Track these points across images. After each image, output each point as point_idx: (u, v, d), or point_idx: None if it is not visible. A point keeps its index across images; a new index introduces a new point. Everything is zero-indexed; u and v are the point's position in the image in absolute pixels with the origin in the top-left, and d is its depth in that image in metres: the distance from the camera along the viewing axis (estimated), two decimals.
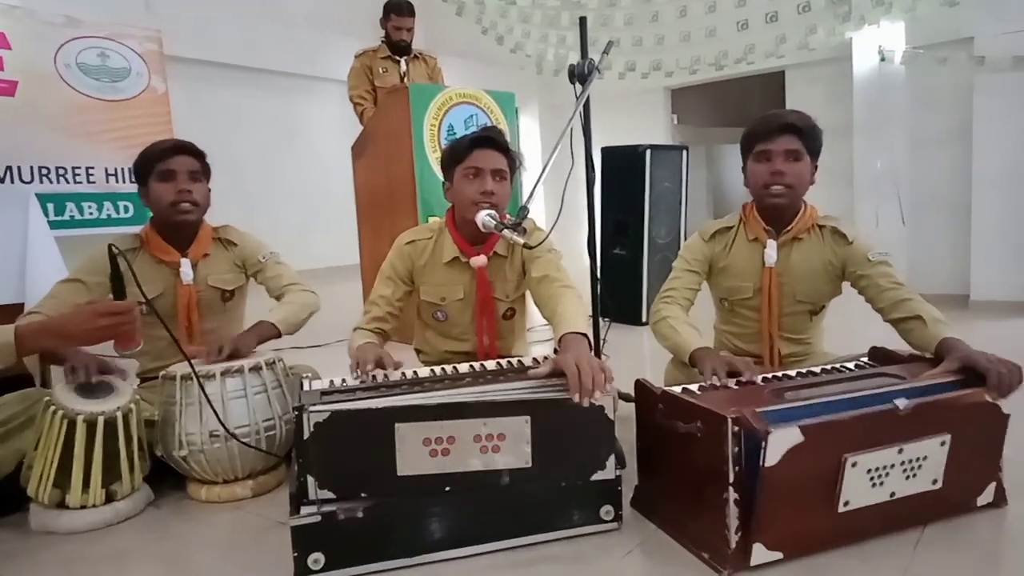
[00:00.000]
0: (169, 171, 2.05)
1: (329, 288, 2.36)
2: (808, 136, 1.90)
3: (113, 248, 1.69)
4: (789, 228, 1.98)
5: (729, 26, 5.78)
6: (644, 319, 4.28)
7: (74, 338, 1.60)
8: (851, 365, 1.80)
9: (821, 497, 1.42)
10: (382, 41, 4.44)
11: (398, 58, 4.39)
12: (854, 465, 1.40)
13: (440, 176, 3.73)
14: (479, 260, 2.04)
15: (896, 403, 1.43)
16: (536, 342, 3.72)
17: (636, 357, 3.58)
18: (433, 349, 2.22)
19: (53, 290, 2.01)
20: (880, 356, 1.82)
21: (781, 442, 1.33)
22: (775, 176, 1.90)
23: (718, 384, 1.64)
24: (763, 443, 1.31)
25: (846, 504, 1.43)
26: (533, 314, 2.22)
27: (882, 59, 5.29)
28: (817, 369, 1.76)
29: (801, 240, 1.99)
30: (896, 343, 1.85)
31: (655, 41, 6.00)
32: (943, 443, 1.49)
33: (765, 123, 1.92)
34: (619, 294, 4.27)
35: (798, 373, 1.74)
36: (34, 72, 4.67)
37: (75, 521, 1.72)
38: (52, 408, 1.68)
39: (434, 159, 3.80)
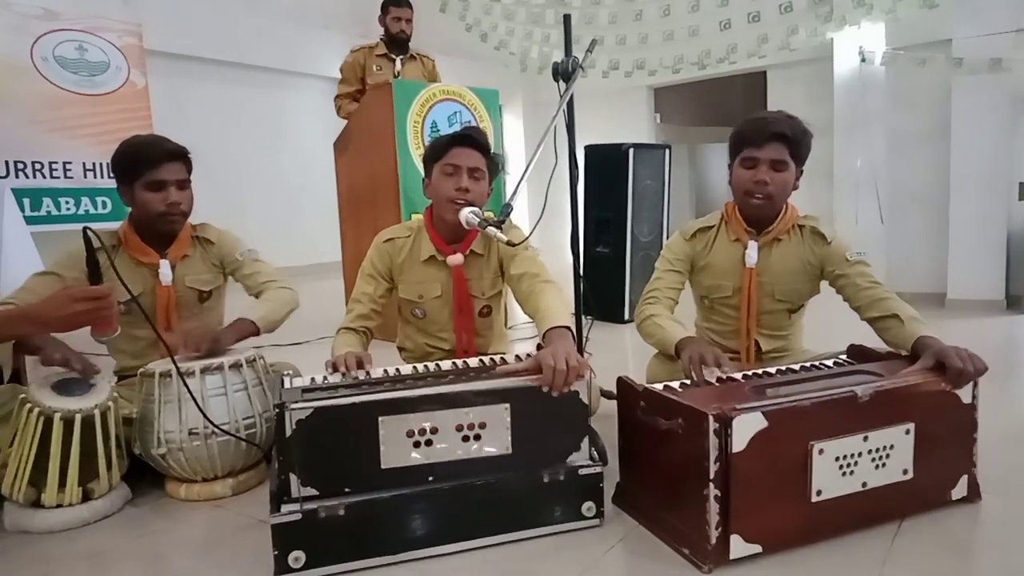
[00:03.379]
0: (159, 181, 2.01)
1: (311, 285, 2.35)
2: (796, 144, 1.90)
3: (88, 231, 1.67)
4: (770, 229, 1.99)
5: (712, 25, 5.82)
6: (627, 317, 4.30)
7: (50, 324, 1.59)
8: (830, 363, 1.82)
9: (793, 486, 1.45)
10: (381, 39, 4.40)
11: (394, 57, 4.34)
12: (821, 452, 1.44)
13: (422, 173, 3.76)
14: (455, 258, 2.05)
15: (855, 390, 1.48)
16: (518, 340, 3.73)
17: (619, 354, 3.59)
18: (415, 346, 2.22)
19: (27, 283, 1.96)
20: (858, 353, 1.85)
21: (746, 427, 1.37)
22: (758, 185, 1.91)
23: (695, 376, 1.67)
24: (729, 429, 1.35)
25: (819, 493, 1.46)
26: (515, 312, 2.22)
27: (862, 60, 5.35)
28: (797, 367, 1.78)
29: (781, 240, 2.01)
30: (874, 341, 1.87)
31: (639, 40, 6.02)
32: (907, 431, 1.53)
33: (755, 128, 1.92)
34: (602, 292, 4.29)
35: (778, 371, 1.75)
36: (10, 65, 4.59)
37: (51, 520, 1.70)
38: (28, 406, 1.66)
39: (417, 156, 3.78)
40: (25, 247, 2.75)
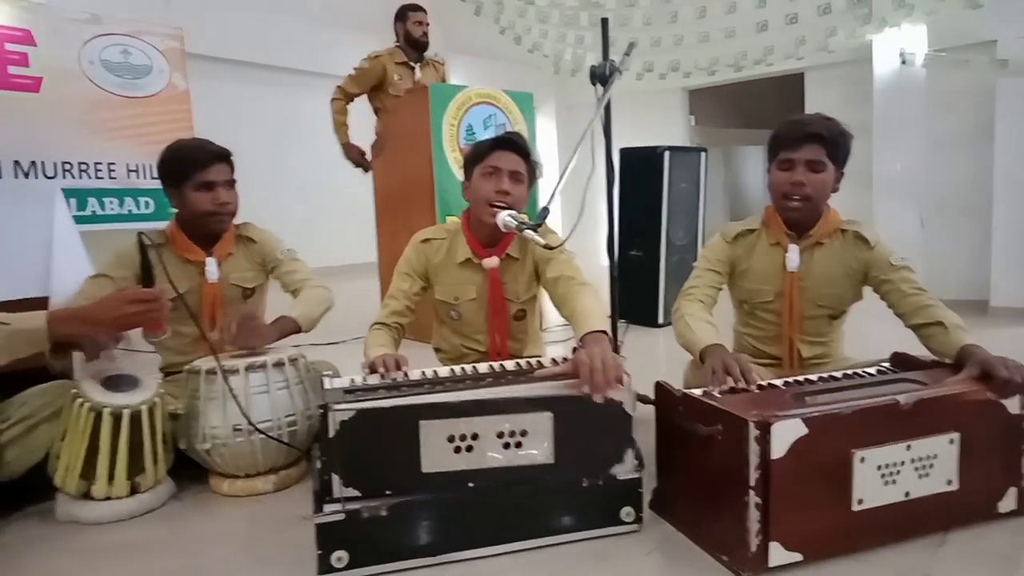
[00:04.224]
0: (209, 182, 2.08)
1: (345, 285, 2.38)
2: (834, 145, 1.88)
3: (143, 238, 1.72)
4: (811, 233, 1.97)
5: (748, 27, 5.77)
6: (661, 321, 4.27)
7: (104, 324, 1.63)
8: (872, 370, 1.80)
9: (834, 494, 1.43)
10: (397, 45, 4.41)
11: (413, 64, 4.37)
12: (863, 460, 1.42)
13: (458, 176, 3.79)
14: (491, 261, 2.06)
15: (898, 398, 1.46)
16: (553, 342, 3.73)
17: (652, 359, 3.57)
18: (451, 347, 2.24)
19: (82, 288, 2.04)
20: (902, 361, 1.82)
21: (785, 433, 1.35)
22: (795, 187, 1.89)
23: (723, 387, 1.64)
24: (767, 436, 1.34)
25: (860, 502, 1.44)
26: (550, 315, 2.23)
27: (903, 62, 5.25)
28: (838, 374, 1.76)
29: (823, 244, 1.98)
30: (917, 348, 1.84)
31: (674, 42, 5.99)
32: (952, 441, 1.50)
33: (791, 130, 1.91)
34: (636, 295, 4.27)
35: (819, 378, 1.73)
36: (58, 69, 4.72)
37: (100, 512, 1.75)
38: (79, 401, 1.71)
39: (452, 159, 3.82)
40: (75, 246, 2.82)
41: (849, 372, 1.77)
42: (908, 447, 1.47)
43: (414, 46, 4.35)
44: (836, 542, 1.45)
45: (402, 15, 4.36)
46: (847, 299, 2.03)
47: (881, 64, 5.53)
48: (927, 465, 1.49)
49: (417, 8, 4.33)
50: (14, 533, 1.72)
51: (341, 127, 4.40)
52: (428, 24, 4.37)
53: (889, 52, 5.43)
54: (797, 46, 5.80)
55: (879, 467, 1.45)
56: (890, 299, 1.92)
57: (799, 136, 1.88)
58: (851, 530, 1.45)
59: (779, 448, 1.35)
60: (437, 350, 2.33)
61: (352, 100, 4.40)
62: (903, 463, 1.47)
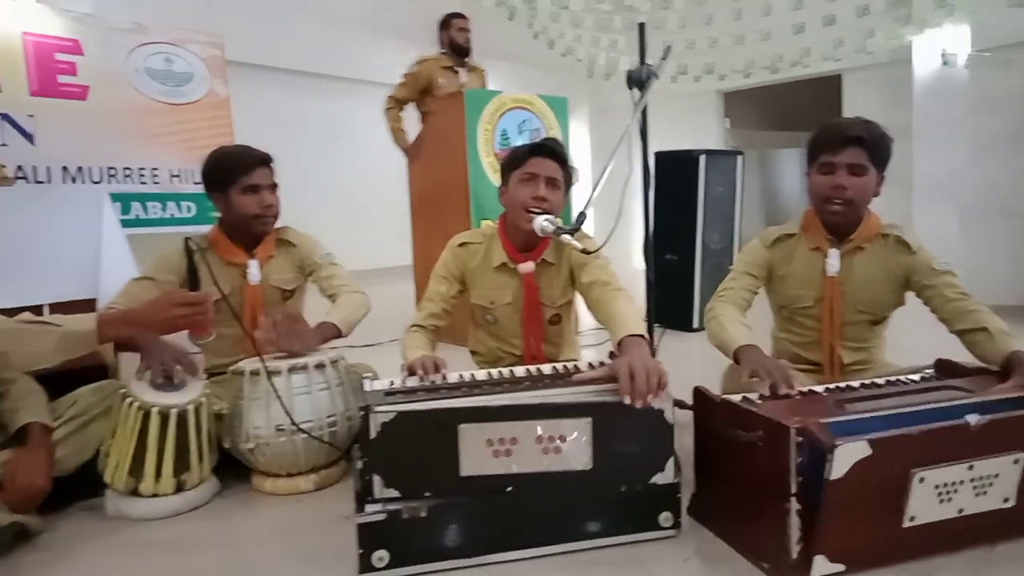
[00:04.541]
0: (254, 185, 2.14)
1: (380, 288, 2.42)
2: (875, 148, 1.86)
3: (190, 243, 1.77)
4: (851, 237, 1.95)
5: (785, 29, 5.71)
6: (696, 325, 4.24)
7: (152, 326, 1.68)
8: (915, 377, 1.77)
9: (886, 511, 1.40)
10: (442, 52, 4.52)
11: (458, 69, 4.46)
12: (922, 480, 1.38)
13: (493, 180, 3.81)
14: (527, 266, 2.08)
15: (968, 419, 1.40)
16: (586, 346, 3.72)
17: (688, 363, 3.55)
18: (487, 350, 2.26)
19: (126, 288, 2.09)
20: (946, 368, 1.79)
21: (848, 456, 1.31)
22: (836, 190, 1.87)
23: (768, 393, 1.62)
24: (829, 456, 1.30)
25: (912, 519, 1.41)
26: (584, 319, 2.24)
27: (944, 63, 5.15)
28: (881, 380, 1.73)
29: (863, 249, 1.96)
30: (961, 355, 1.81)
31: (708, 44, 5.95)
32: (1016, 461, 1.45)
33: (831, 133, 1.88)
34: (671, 300, 4.24)
35: (861, 384, 1.71)
36: (104, 77, 4.85)
37: (147, 508, 1.80)
38: (128, 400, 1.76)
39: (488, 163, 3.84)
40: (122, 250, 2.90)
41: (892, 379, 1.75)
42: (970, 467, 1.41)
43: (458, 52, 4.47)
44: (881, 555, 1.43)
45: (446, 23, 4.50)
46: (888, 304, 2.00)
47: (922, 65, 5.44)
48: (986, 484, 1.44)
49: (460, 16, 4.48)
50: (66, 527, 1.77)
51: (399, 133, 4.49)
52: (470, 31, 4.50)
53: (930, 53, 5.34)
54: (835, 48, 5.72)
55: (937, 486, 1.40)
56: (933, 304, 1.89)
57: (840, 139, 1.86)
58: (898, 543, 1.43)
59: (840, 468, 1.30)
60: (473, 353, 2.35)
61: (404, 107, 4.50)
62: (962, 482, 1.42)
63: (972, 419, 1.40)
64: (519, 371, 1.79)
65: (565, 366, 1.81)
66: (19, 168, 4.48)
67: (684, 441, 1.70)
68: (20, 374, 1.84)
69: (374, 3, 7.52)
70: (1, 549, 1.61)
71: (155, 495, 1.80)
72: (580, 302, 2.16)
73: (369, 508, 1.44)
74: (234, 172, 2.14)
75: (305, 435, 1.85)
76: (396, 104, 4.48)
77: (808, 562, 1.37)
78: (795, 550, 1.38)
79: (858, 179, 1.86)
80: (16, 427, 1.76)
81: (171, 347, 1.90)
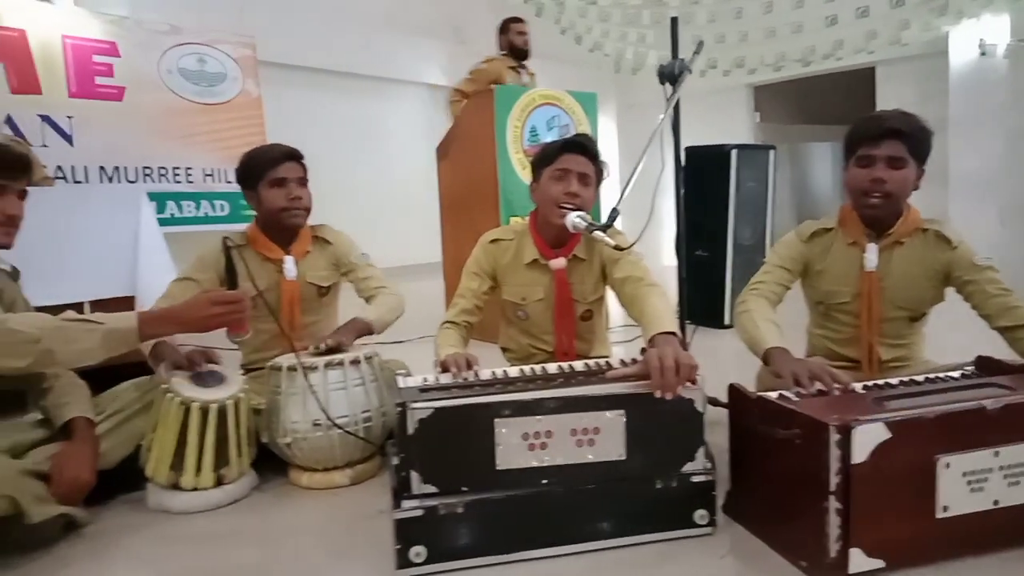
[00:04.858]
0: (281, 179, 2.17)
1: (409, 285, 2.45)
2: (914, 141, 1.82)
3: (228, 241, 1.80)
4: (890, 232, 1.92)
5: (817, 22, 5.64)
6: (727, 322, 4.21)
7: (191, 325, 1.71)
8: (956, 374, 1.74)
9: (919, 501, 1.39)
10: (503, 54, 4.67)
11: (520, 69, 4.64)
12: (948, 466, 1.38)
13: (522, 177, 3.81)
14: (558, 263, 2.08)
15: (983, 403, 1.41)
16: (616, 342, 3.71)
17: (719, 360, 3.53)
18: (519, 346, 2.26)
19: (168, 290, 2.14)
20: (988, 365, 1.75)
21: (867, 438, 1.32)
22: (875, 184, 1.84)
23: (804, 392, 1.61)
24: (848, 439, 1.31)
25: (946, 509, 1.40)
26: (614, 315, 2.23)
27: (982, 53, 5.05)
28: (920, 378, 1.70)
29: (902, 244, 1.93)
30: (1002, 351, 1.77)
31: (739, 38, 5.90)
32: None
33: (869, 126, 1.86)
34: (701, 296, 4.21)
35: (900, 381, 1.69)
36: (140, 78, 4.96)
37: (188, 501, 1.83)
38: (169, 395, 1.80)
39: (517, 160, 3.85)
40: (159, 249, 2.95)
41: (931, 376, 1.72)
42: (996, 453, 1.41)
43: (517, 55, 4.65)
44: (919, 549, 1.41)
45: (505, 27, 4.69)
46: (927, 300, 1.96)
47: (958, 56, 5.33)
48: (1018, 472, 1.43)
49: (519, 20, 4.67)
50: (109, 520, 1.81)
51: None
52: (528, 34, 4.67)
53: (967, 44, 5.23)
54: (868, 40, 5.63)
55: (965, 474, 1.40)
56: (974, 300, 1.86)
57: (878, 132, 1.83)
58: (936, 538, 1.41)
59: (860, 453, 1.32)
60: (504, 349, 2.36)
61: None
62: (991, 470, 1.42)
63: (988, 403, 1.41)
64: (552, 368, 1.79)
65: (597, 363, 1.81)
66: (58, 168, 4.60)
67: (719, 438, 1.70)
68: (64, 370, 1.88)
69: (403, 3, 7.56)
70: (51, 540, 1.66)
71: (195, 489, 1.83)
72: (611, 298, 2.15)
73: (406, 504, 1.45)
74: (261, 167, 2.17)
75: (340, 430, 1.87)
76: (462, 98, 4.57)
77: (845, 557, 1.36)
78: (834, 548, 1.36)
79: (897, 172, 1.83)
80: (61, 422, 1.80)
81: (197, 350, 1.96)
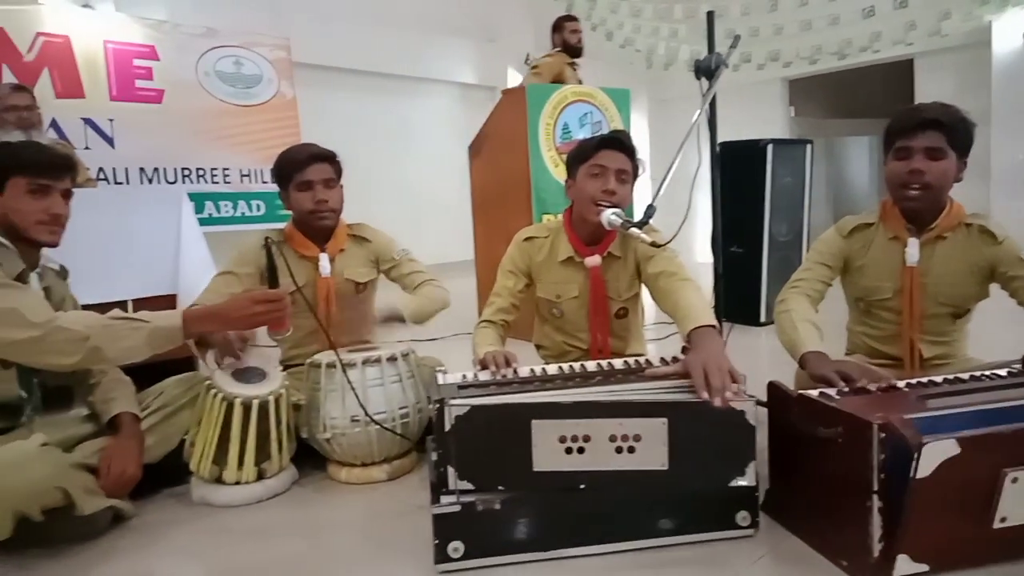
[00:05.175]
0: (307, 182, 2.18)
1: (443, 283, 2.47)
2: (953, 131, 1.78)
3: (269, 240, 1.83)
4: (933, 226, 1.88)
5: (854, 14, 5.55)
6: (762, 319, 4.16)
7: (233, 322, 1.75)
8: (1002, 372, 1.70)
9: (974, 511, 1.35)
10: (556, 51, 4.69)
11: (575, 67, 4.69)
12: (1015, 481, 1.32)
13: (554, 175, 3.81)
14: (593, 260, 2.07)
15: None
16: (651, 340, 3.69)
17: (755, 358, 3.49)
18: (553, 344, 2.26)
19: (211, 284, 2.19)
20: None
21: (935, 454, 1.27)
22: (913, 175, 1.80)
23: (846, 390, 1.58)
24: (916, 455, 1.26)
25: (1003, 520, 1.35)
26: (648, 313, 2.22)
27: None
28: (964, 376, 1.67)
29: (945, 239, 1.88)
30: None
31: (773, 31, 5.83)
32: None
33: (906, 118, 1.82)
34: (737, 293, 4.16)
35: (944, 379, 1.65)
36: (178, 81, 5.06)
37: (230, 495, 1.87)
38: (213, 391, 1.84)
39: (549, 158, 3.85)
40: (199, 247, 3.01)
41: (976, 374, 1.68)
42: None
43: (571, 52, 4.67)
44: (968, 556, 1.38)
45: (559, 26, 4.71)
46: (971, 296, 1.92)
47: (1001, 47, 5.20)
48: None
49: (572, 18, 4.72)
50: (154, 513, 1.86)
51: None
52: (582, 32, 4.71)
53: (1011, 34, 5.09)
54: (907, 31, 5.52)
55: None
56: (1021, 296, 1.81)
57: (915, 123, 1.79)
58: (986, 545, 1.37)
59: (926, 467, 1.26)
60: (538, 347, 2.35)
61: None
62: None
63: None
64: (590, 366, 1.78)
65: (637, 361, 1.80)
66: (100, 170, 4.71)
67: (756, 437, 1.68)
68: (110, 366, 1.93)
69: (435, 4, 7.60)
70: (99, 531, 1.70)
71: (238, 483, 1.87)
72: (646, 295, 2.14)
73: (444, 499, 1.46)
74: (290, 169, 2.20)
75: (378, 427, 1.90)
76: None
77: (891, 561, 1.34)
78: (876, 548, 1.34)
79: (936, 163, 1.79)
80: (108, 417, 1.86)
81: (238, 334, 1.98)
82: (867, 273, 1.97)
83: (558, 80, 4.51)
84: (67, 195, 1.81)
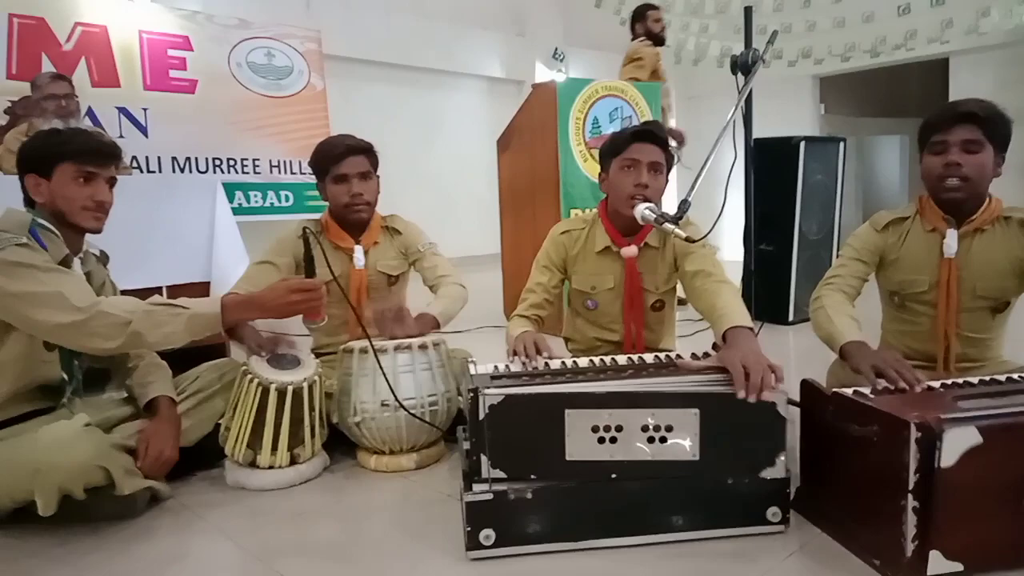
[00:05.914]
0: (342, 175, 2.21)
1: (470, 277, 2.47)
2: (990, 125, 1.76)
3: (308, 230, 1.86)
4: (971, 219, 1.85)
5: (889, 10, 5.47)
6: (791, 318, 4.12)
7: (270, 311, 1.77)
8: None
9: (1009, 507, 1.34)
10: (642, 40, 4.69)
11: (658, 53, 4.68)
12: None
13: (584, 169, 3.81)
14: (630, 250, 2.07)
15: None
16: (682, 336, 3.67)
17: (784, 357, 3.46)
18: (583, 337, 2.27)
19: (248, 272, 2.23)
20: None
21: (957, 442, 1.28)
22: (949, 168, 1.78)
23: (880, 387, 1.57)
24: (938, 443, 1.27)
25: None
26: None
27: None
28: (1001, 377, 1.65)
29: (984, 232, 1.85)
30: None
31: (806, 27, 5.76)
32: None
33: (941, 113, 1.80)
34: (766, 291, 4.11)
35: (980, 380, 1.64)
36: (211, 71, 5.12)
37: (264, 479, 1.90)
38: (249, 376, 1.87)
39: (578, 152, 3.84)
40: (232, 236, 3.05)
41: (1013, 376, 1.66)
42: None
43: (655, 41, 4.66)
44: (1003, 554, 1.37)
45: (641, 14, 4.70)
46: (1010, 290, 1.88)
47: None
48: None
49: (654, 7, 4.69)
50: (189, 495, 1.89)
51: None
52: (664, 20, 4.72)
53: None
54: (943, 29, 5.44)
55: None
56: None
57: (951, 116, 1.77)
58: (1021, 543, 1.36)
59: (949, 457, 1.27)
60: (567, 340, 2.36)
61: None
62: None
63: None
64: (621, 359, 1.79)
65: (668, 356, 1.80)
66: (133, 159, 4.79)
67: (788, 434, 1.67)
68: (147, 351, 1.97)
69: None
70: (137, 511, 1.75)
71: (271, 467, 1.90)
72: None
73: (477, 487, 1.48)
74: (326, 162, 2.23)
75: (407, 412, 1.92)
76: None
77: (923, 559, 1.33)
78: (910, 548, 1.33)
79: (973, 156, 1.76)
80: (146, 400, 1.90)
81: (272, 336, 2.03)
82: (902, 266, 1.95)
83: (655, 75, 4.51)
84: (111, 183, 1.84)
